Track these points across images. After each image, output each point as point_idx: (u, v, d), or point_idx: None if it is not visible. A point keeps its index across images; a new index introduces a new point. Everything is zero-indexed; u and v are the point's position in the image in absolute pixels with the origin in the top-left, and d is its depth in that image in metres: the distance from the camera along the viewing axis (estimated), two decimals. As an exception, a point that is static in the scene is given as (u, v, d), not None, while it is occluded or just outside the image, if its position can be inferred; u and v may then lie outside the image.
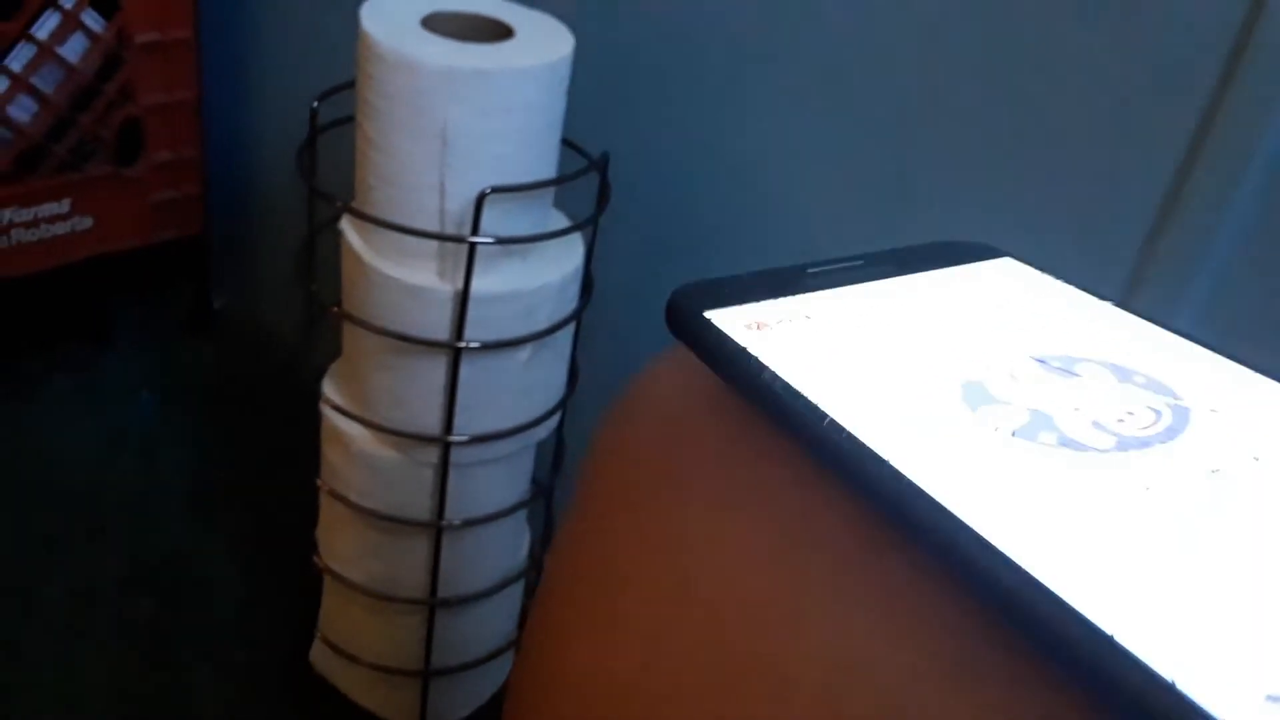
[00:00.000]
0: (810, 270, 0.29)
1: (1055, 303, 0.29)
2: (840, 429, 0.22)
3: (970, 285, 0.30)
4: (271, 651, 1.23)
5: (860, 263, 0.30)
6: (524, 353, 0.92)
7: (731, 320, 0.26)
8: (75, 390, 1.55)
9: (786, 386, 0.24)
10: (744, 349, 0.25)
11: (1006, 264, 0.31)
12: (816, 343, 0.26)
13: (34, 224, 1.41)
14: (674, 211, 1.06)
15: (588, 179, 0.92)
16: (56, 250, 1.44)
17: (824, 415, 0.23)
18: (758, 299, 0.27)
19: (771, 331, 0.26)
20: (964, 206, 0.83)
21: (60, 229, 1.43)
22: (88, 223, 1.46)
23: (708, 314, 0.26)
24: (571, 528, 0.29)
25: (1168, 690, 0.16)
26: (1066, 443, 0.22)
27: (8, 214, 1.38)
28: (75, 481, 1.41)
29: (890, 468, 0.21)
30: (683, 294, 0.27)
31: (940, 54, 0.83)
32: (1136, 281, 0.75)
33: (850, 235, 0.90)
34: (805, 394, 0.23)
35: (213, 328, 1.71)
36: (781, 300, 0.27)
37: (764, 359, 0.25)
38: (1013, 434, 0.22)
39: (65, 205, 1.43)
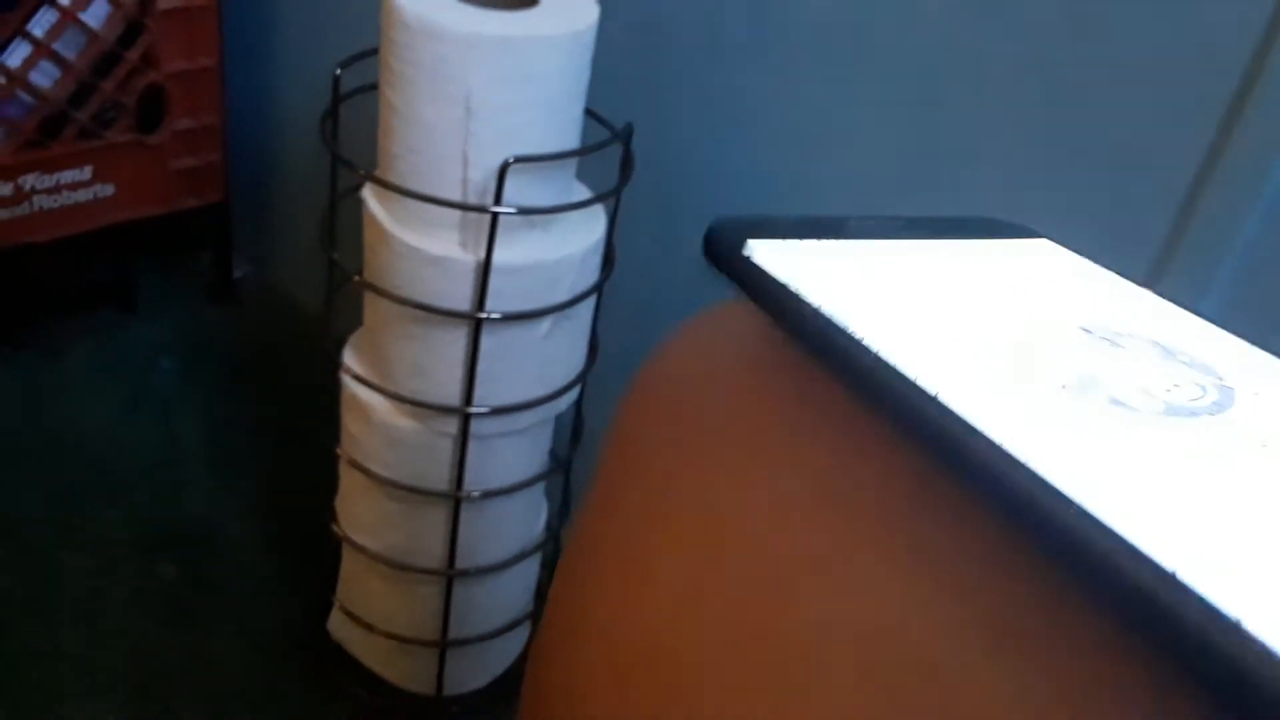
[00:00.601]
0: (850, 221, 0.29)
1: (1095, 284, 0.28)
2: (887, 362, 0.22)
3: (1011, 258, 0.29)
4: (290, 619, 1.23)
5: (900, 223, 0.30)
6: (545, 325, 0.92)
7: (772, 253, 0.25)
8: (97, 356, 1.56)
9: (830, 319, 0.23)
10: (788, 281, 0.24)
11: (1044, 245, 0.31)
12: (858, 284, 0.25)
13: (56, 190, 1.41)
14: (696, 184, 1.05)
15: (610, 150, 0.91)
16: (78, 217, 1.44)
17: (868, 348, 0.22)
18: (799, 237, 0.27)
19: (812, 267, 0.25)
20: (990, 184, 0.82)
21: (82, 196, 1.44)
22: (109, 190, 1.46)
23: (747, 249, 0.26)
24: (602, 483, 0.29)
25: (1234, 630, 0.16)
26: (1117, 403, 0.22)
27: (30, 180, 1.38)
28: (97, 447, 1.41)
29: (939, 403, 0.21)
30: (722, 224, 0.27)
31: (969, 27, 0.81)
32: (1162, 265, 0.74)
33: (878, 206, 0.89)
34: (849, 327, 0.23)
35: (233, 296, 1.72)
36: (822, 242, 0.27)
37: (805, 292, 0.24)
38: (1062, 387, 0.22)
39: (87, 172, 1.43)
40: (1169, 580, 0.16)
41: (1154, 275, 0.74)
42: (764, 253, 0.25)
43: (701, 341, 0.28)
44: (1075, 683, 0.18)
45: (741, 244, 0.26)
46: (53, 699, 1.12)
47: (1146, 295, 0.28)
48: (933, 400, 0.20)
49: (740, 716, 0.21)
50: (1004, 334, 0.24)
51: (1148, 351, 0.25)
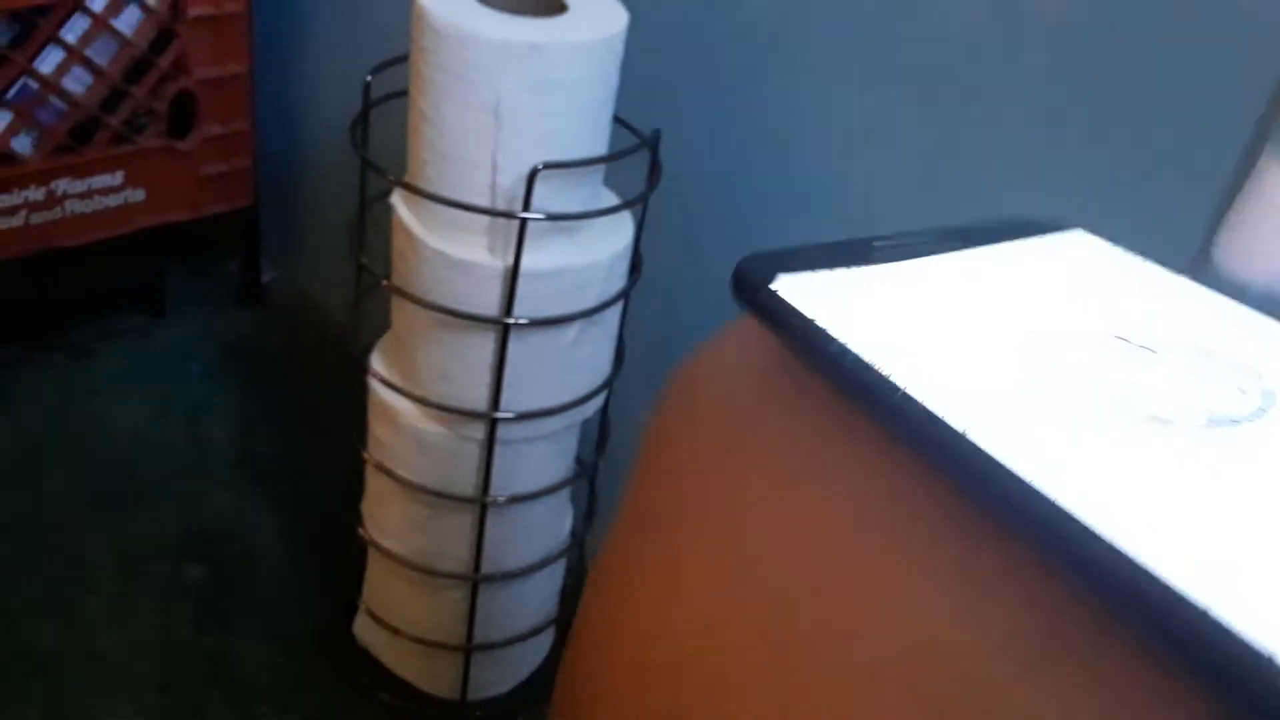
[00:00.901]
0: (876, 243, 0.28)
1: (1131, 278, 0.28)
2: (915, 401, 0.22)
3: (1042, 260, 0.29)
4: (316, 621, 1.24)
5: (926, 237, 0.29)
6: (572, 330, 0.92)
7: (799, 290, 0.25)
8: (126, 360, 1.57)
9: (857, 358, 0.23)
10: (812, 320, 0.24)
11: (1078, 236, 0.30)
12: (886, 315, 0.25)
13: (88, 195, 1.42)
14: (724, 191, 1.05)
15: (638, 156, 0.91)
16: (109, 221, 1.46)
17: (897, 387, 0.22)
18: (825, 269, 0.27)
19: (839, 301, 0.25)
20: (1022, 177, 0.81)
21: (113, 201, 1.45)
22: (140, 195, 1.47)
23: (775, 284, 0.26)
24: (635, 491, 0.29)
25: (1267, 665, 0.15)
26: (1155, 419, 0.21)
27: (62, 185, 1.39)
28: (126, 450, 1.43)
29: (969, 441, 0.20)
30: (749, 262, 0.26)
31: (999, 28, 0.81)
32: (1205, 252, 0.73)
33: (906, 210, 0.89)
34: (877, 365, 0.23)
35: (261, 300, 1.73)
36: (849, 271, 0.27)
37: (833, 330, 0.24)
38: (1098, 408, 0.22)
39: (118, 177, 1.44)
40: (1202, 615, 0.16)
41: (1199, 260, 0.73)
42: (791, 291, 0.25)
43: (735, 352, 0.28)
44: (1115, 701, 0.18)
45: (768, 282, 0.26)
46: (83, 699, 1.13)
47: (1182, 284, 0.28)
48: (963, 439, 0.20)
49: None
50: (1035, 350, 0.24)
51: (1187, 357, 0.24)
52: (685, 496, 0.26)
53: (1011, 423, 0.21)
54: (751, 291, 0.26)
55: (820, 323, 0.24)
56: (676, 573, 0.26)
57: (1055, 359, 0.24)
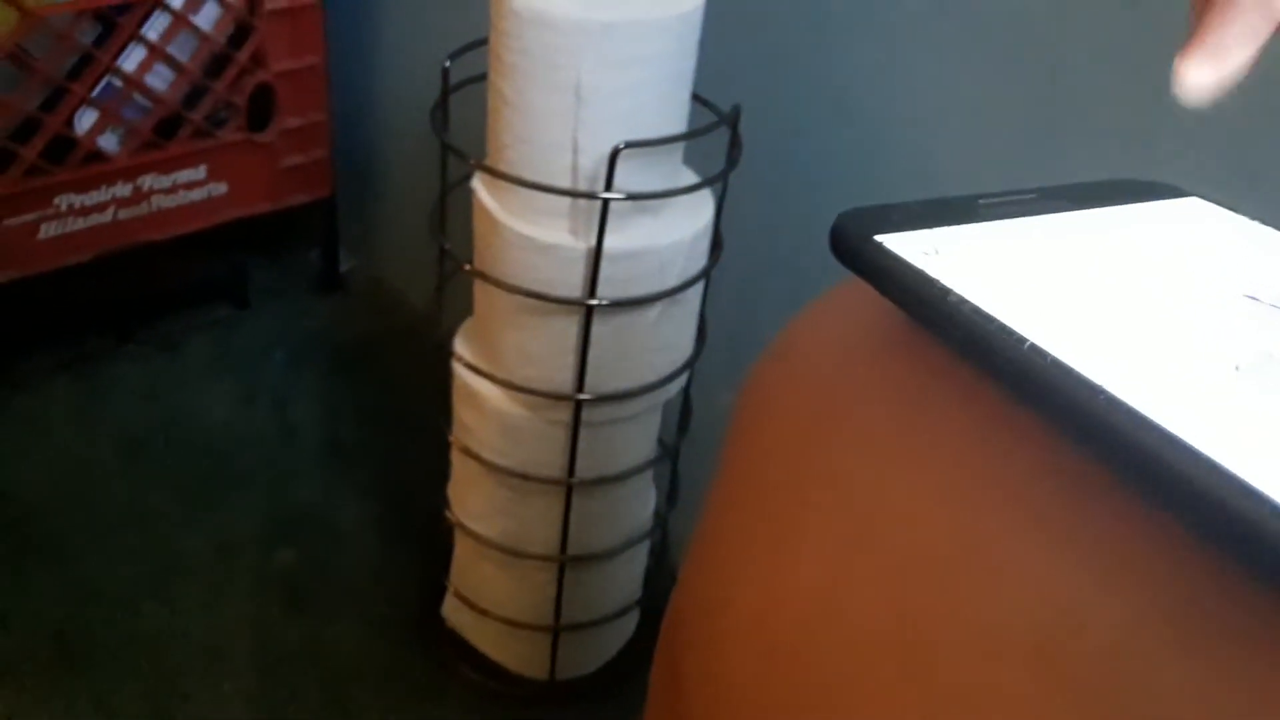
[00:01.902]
0: (982, 201, 0.27)
1: (1253, 241, 0.27)
2: (1045, 354, 0.21)
3: (1159, 222, 0.27)
4: (405, 604, 1.26)
5: (1034, 196, 0.28)
6: (654, 311, 0.92)
7: (904, 245, 0.24)
8: (213, 351, 1.61)
9: (976, 310, 0.22)
10: (924, 272, 0.23)
11: (1193, 204, 0.29)
12: (998, 271, 0.23)
13: (173, 190, 1.46)
14: (804, 166, 1.04)
15: (717, 134, 0.90)
16: (194, 215, 1.49)
17: (1023, 339, 0.21)
18: (930, 226, 0.25)
19: (948, 258, 0.24)
20: (1118, 143, 0.79)
21: (197, 195, 1.48)
22: (222, 188, 1.50)
23: (878, 238, 0.25)
24: (730, 466, 0.28)
25: None
26: None
27: (149, 181, 1.43)
28: (216, 438, 1.46)
29: (1107, 394, 0.19)
30: (849, 218, 0.25)
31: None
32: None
33: (997, 184, 0.87)
34: (999, 318, 0.22)
35: (341, 289, 1.76)
36: (955, 228, 0.26)
37: (948, 282, 0.23)
38: (1236, 367, 0.21)
39: (201, 171, 1.47)
40: None
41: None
42: (895, 246, 0.24)
43: (831, 323, 0.27)
44: (1268, 676, 0.17)
45: (870, 238, 0.24)
46: (179, 679, 1.16)
47: None
48: (1101, 394, 0.19)
49: (896, 706, 0.21)
50: (1164, 310, 0.23)
51: None
52: (789, 467, 0.26)
53: (1148, 382, 0.20)
54: (853, 247, 0.25)
55: (932, 276, 0.23)
56: (785, 546, 0.25)
57: (1186, 318, 0.23)
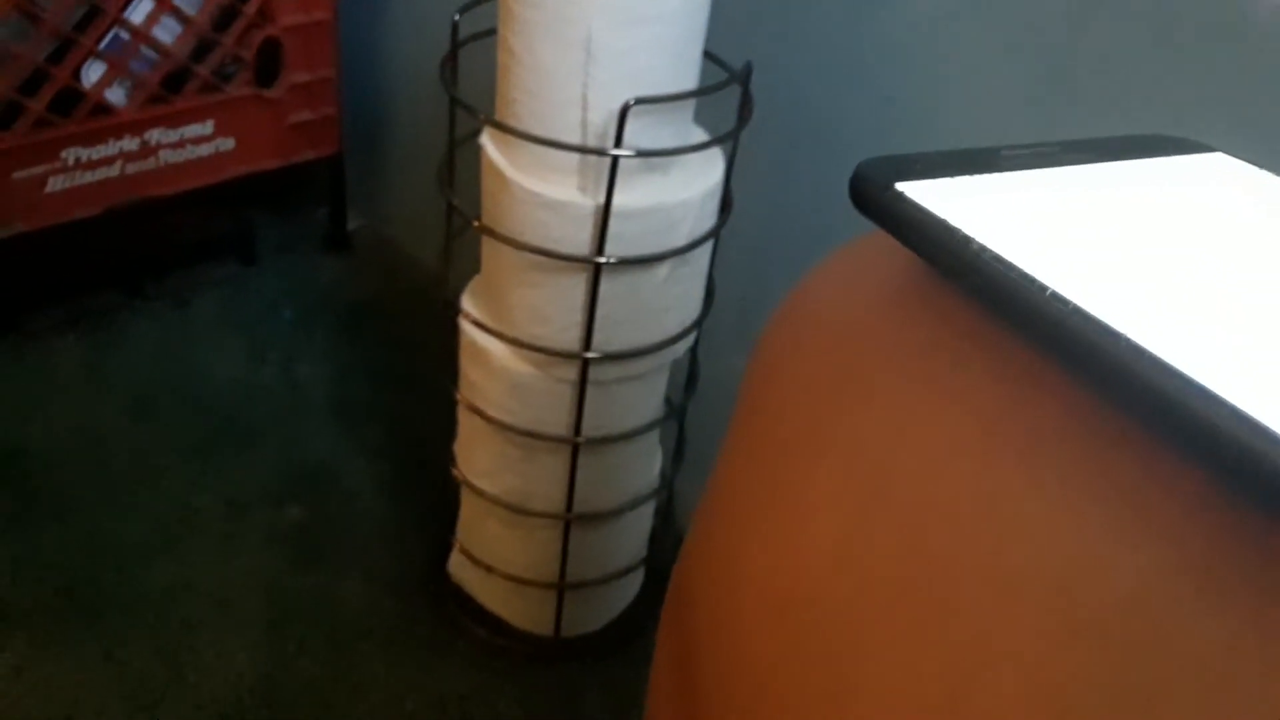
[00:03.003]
0: (1004, 152, 0.27)
1: (1278, 196, 0.26)
2: (1067, 301, 0.20)
3: (1183, 175, 0.27)
4: (412, 560, 1.27)
5: (1057, 148, 0.28)
6: (663, 269, 0.91)
7: (924, 194, 0.24)
8: (222, 308, 1.61)
9: (998, 258, 0.22)
10: (944, 220, 0.23)
11: (1219, 159, 0.28)
12: (1020, 220, 0.23)
13: (180, 145, 1.45)
14: (815, 126, 1.03)
15: (728, 92, 0.89)
16: (201, 170, 1.48)
17: (1044, 287, 0.21)
18: (951, 175, 0.25)
19: (969, 207, 0.24)
20: (1139, 104, 0.78)
21: (205, 150, 1.47)
22: (230, 143, 1.49)
23: (899, 187, 0.24)
24: (744, 420, 0.28)
25: None
26: None
27: (156, 135, 1.42)
28: (226, 395, 1.46)
29: (1128, 340, 0.19)
30: (868, 167, 0.25)
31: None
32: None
33: (1014, 139, 0.86)
34: (1020, 266, 0.21)
35: (349, 247, 1.75)
36: (977, 177, 0.25)
37: (968, 230, 0.22)
38: (1259, 318, 0.20)
39: (209, 126, 1.46)
40: None
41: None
42: (916, 195, 0.24)
43: (848, 276, 0.27)
44: None
45: (891, 187, 0.24)
46: (190, 633, 1.17)
47: None
48: (1122, 341, 0.19)
49: (912, 660, 0.21)
50: (1187, 260, 0.22)
51: None
52: (804, 420, 0.25)
53: (1170, 330, 0.19)
54: (873, 195, 0.24)
55: (953, 224, 0.23)
56: (799, 501, 0.25)
57: (1209, 269, 0.22)
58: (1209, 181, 0.27)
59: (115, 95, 1.37)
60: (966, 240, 0.22)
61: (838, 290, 0.27)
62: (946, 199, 0.24)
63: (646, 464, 1.12)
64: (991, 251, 0.22)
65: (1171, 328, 0.20)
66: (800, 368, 0.26)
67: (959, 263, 0.22)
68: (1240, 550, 0.18)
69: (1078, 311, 0.20)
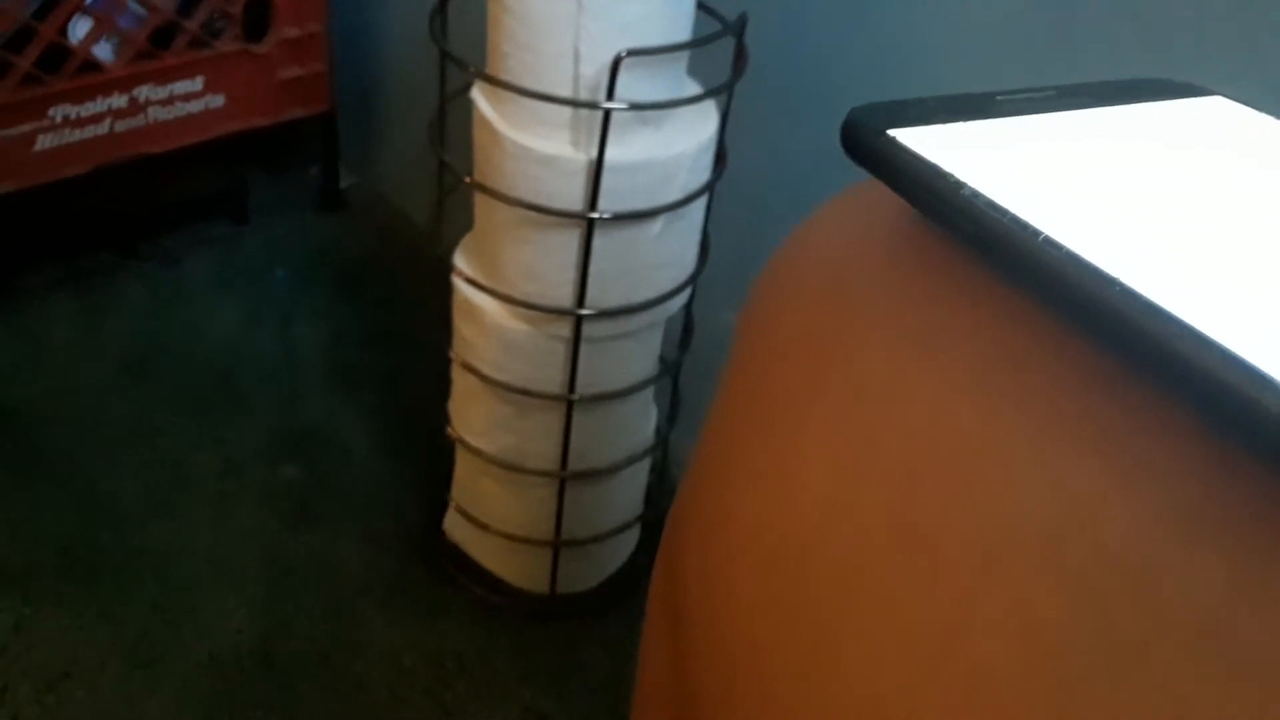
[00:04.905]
0: (999, 97, 0.27)
1: (1277, 140, 0.26)
2: (1059, 246, 0.20)
3: (1181, 119, 0.27)
4: (407, 519, 1.27)
5: (1053, 93, 0.27)
6: (657, 225, 0.90)
7: (917, 140, 0.23)
8: (215, 267, 1.60)
9: (991, 203, 0.21)
10: (937, 166, 0.23)
11: (1217, 102, 0.28)
12: (1014, 166, 0.23)
13: (169, 102, 1.43)
14: (811, 79, 1.01)
15: (722, 45, 0.88)
16: (191, 127, 1.47)
17: (1037, 232, 0.20)
18: (945, 121, 0.25)
19: (963, 152, 0.23)
20: (1142, 51, 0.77)
21: (194, 107, 1.46)
22: (220, 100, 1.48)
23: (891, 133, 0.24)
24: (737, 370, 0.28)
25: None
26: None
27: (145, 91, 1.40)
28: (219, 355, 1.46)
29: (1121, 285, 0.19)
30: (860, 113, 0.25)
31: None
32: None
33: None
34: (1012, 211, 0.21)
35: (342, 206, 1.74)
36: (971, 123, 0.25)
37: (961, 176, 0.22)
38: (1256, 263, 0.20)
39: (198, 83, 1.45)
40: None
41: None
42: (909, 141, 0.23)
43: (842, 225, 0.26)
44: None
45: (883, 133, 0.24)
46: (189, 593, 1.17)
47: None
48: (1115, 285, 0.19)
49: (903, 609, 0.20)
50: (1183, 205, 0.22)
51: None
52: (797, 370, 0.25)
53: (1164, 275, 0.19)
54: (865, 140, 0.24)
55: (945, 170, 0.22)
56: (791, 450, 0.24)
57: (1205, 214, 0.22)
58: (1207, 125, 0.26)
59: (103, 51, 1.35)
60: (958, 185, 0.22)
61: (831, 239, 0.26)
62: (940, 145, 0.23)
63: (641, 421, 1.11)
64: (984, 197, 0.21)
65: (1166, 273, 0.19)
66: (793, 316, 0.26)
67: (950, 208, 0.22)
68: (1233, 496, 0.17)
69: (1070, 256, 0.20)
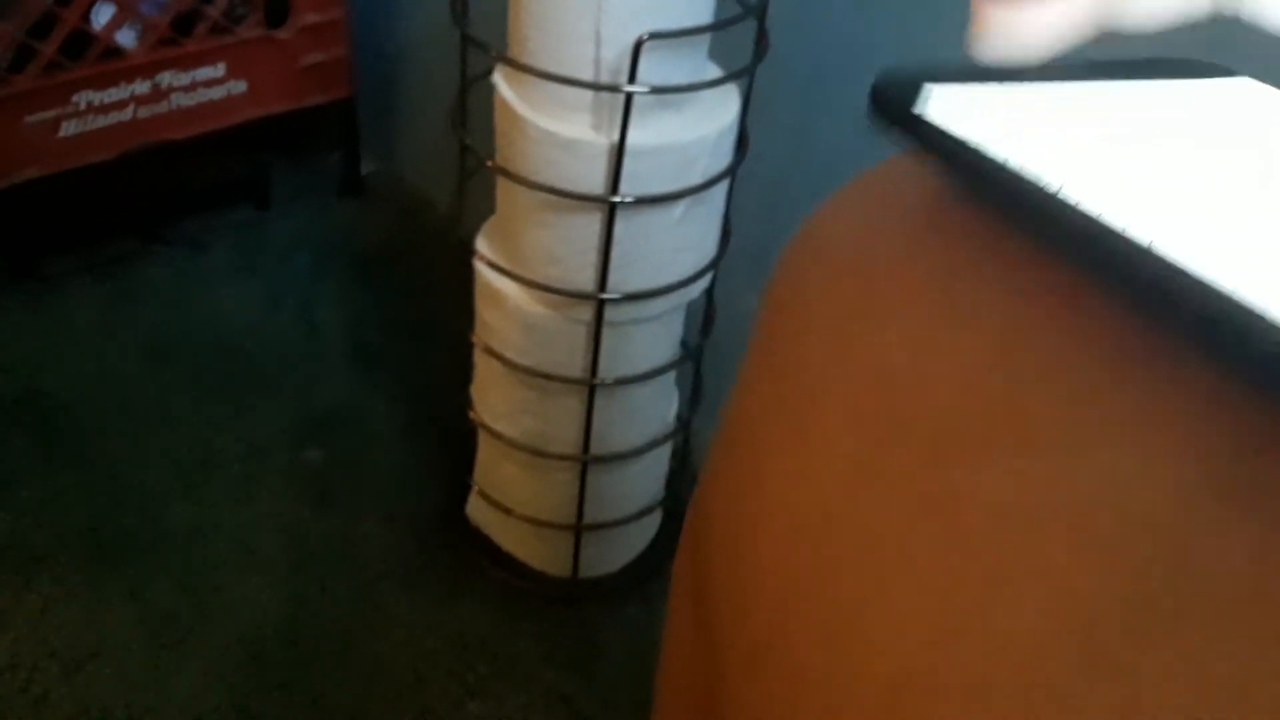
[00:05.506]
0: (1028, 67, 0.27)
1: None
2: (1091, 214, 0.20)
3: (1209, 97, 0.26)
4: (430, 502, 1.27)
5: (1080, 66, 0.27)
6: (678, 209, 0.90)
7: (949, 100, 0.23)
8: (237, 253, 1.61)
9: (1025, 171, 0.21)
10: (967, 136, 0.23)
11: (1244, 83, 0.28)
12: (1048, 133, 0.23)
13: (192, 88, 1.44)
14: (832, 62, 1.01)
15: (743, 28, 0.88)
16: (214, 114, 1.47)
17: (1070, 199, 0.20)
18: (974, 82, 0.25)
19: (990, 118, 0.23)
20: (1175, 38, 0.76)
21: (216, 93, 1.47)
22: (242, 87, 1.48)
23: (921, 96, 0.24)
24: (762, 344, 0.28)
25: None
26: None
27: (167, 78, 1.41)
28: (242, 340, 1.47)
29: (1152, 253, 0.19)
30: (889, 74, 0.25)
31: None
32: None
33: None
34: (1047, 182, 0.21)
35: (363, 192, 1.74)
36: (998, 87, 0.25)
37: (992, 145, 0.22)
38: None
39: (220, 69, 1.45)
40: None
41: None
42: (940, 103, 0.23)
43: (866, 200, 0.26)
44: None
45: (914, 95, 0.24)
46: (213, 573, 1.19)
47: None
48: (1148, 253, 0.19)
49: (930, 581, 0.20)
50: (1213, 176, 0.22)
51: None
52: (822, 344, 0.25)
53: (1196, 242, 0.19)
54: (895, 106, 0.24)
55: (977, 138, 0.22)
56: (816, 425, 0.24)
57: (1235, 185, 0.22)
58: (1234, 102, 0.26)
59: (125, 38, 1.36)
60: (989, 154, 0.22)
61: (856, 213, 0.26)
62: (975, 110, 0.23)
63: (663, 406, 1.12)
64: (1012, 162, 0.21)
65: (1196, 238, 0.19)
66: (818, 291, 0.26)
67: (985, 175, 0.22)
68: (1265, 467, 0.17)
69: (1100, 223, 0.19)
